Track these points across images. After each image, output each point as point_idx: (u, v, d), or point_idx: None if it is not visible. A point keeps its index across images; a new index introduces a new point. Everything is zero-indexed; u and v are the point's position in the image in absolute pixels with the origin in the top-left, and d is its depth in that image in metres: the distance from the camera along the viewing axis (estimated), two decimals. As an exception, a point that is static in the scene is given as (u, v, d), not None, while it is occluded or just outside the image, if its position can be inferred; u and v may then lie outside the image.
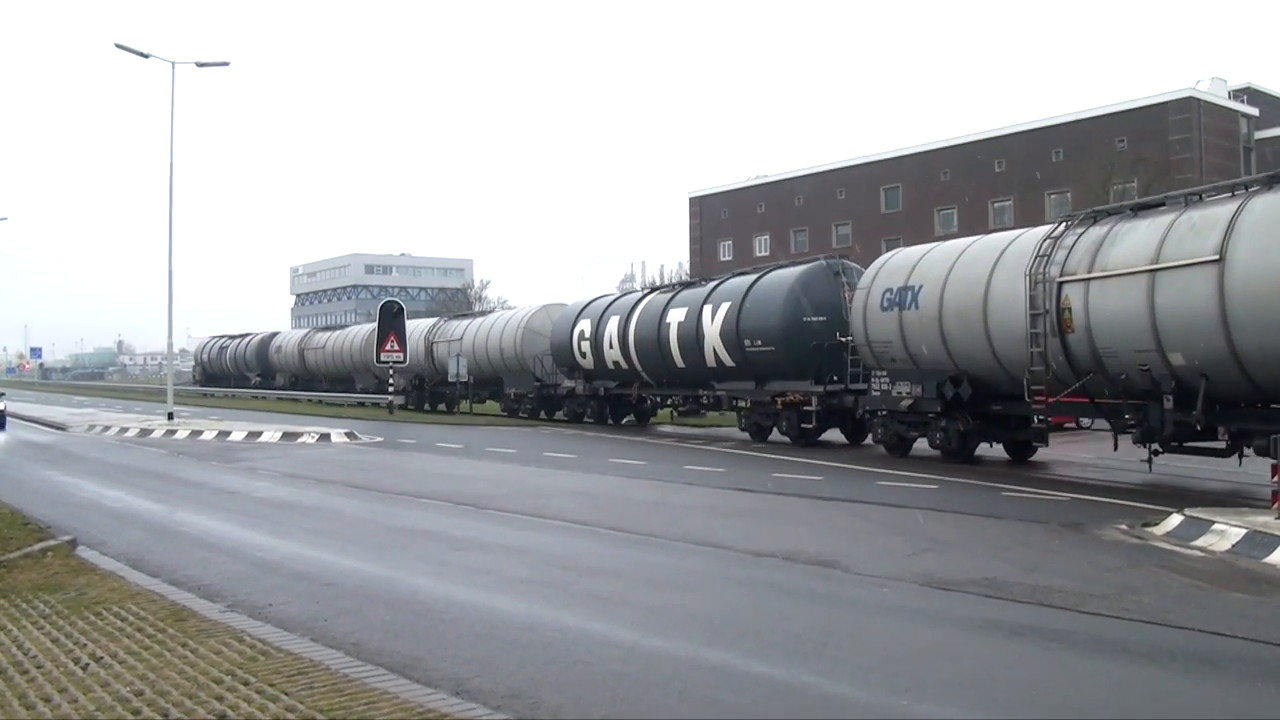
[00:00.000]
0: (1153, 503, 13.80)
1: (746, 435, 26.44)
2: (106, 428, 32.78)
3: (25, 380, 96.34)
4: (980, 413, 19.40)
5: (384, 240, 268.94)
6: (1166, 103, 51.73)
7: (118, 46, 32.53)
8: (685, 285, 30.65)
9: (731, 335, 25.63)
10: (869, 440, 23.30)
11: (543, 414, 37.61)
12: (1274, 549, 10.26)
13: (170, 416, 34.31)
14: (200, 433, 29.92)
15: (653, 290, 32.19)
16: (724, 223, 75.65)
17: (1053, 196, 53.62)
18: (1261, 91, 59.06)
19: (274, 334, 66.97)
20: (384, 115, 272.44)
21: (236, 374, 67.58)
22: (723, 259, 72.19)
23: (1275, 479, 11.67)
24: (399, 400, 42.48)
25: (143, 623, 7.41)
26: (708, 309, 26.85)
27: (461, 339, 41.88)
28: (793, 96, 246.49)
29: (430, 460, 22.86)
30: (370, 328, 43.16)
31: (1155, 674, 6.63)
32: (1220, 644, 7.21)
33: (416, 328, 45.95)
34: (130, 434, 30.63)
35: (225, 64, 34.08)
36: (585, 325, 33.06)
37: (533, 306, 39.95)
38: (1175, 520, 11.82)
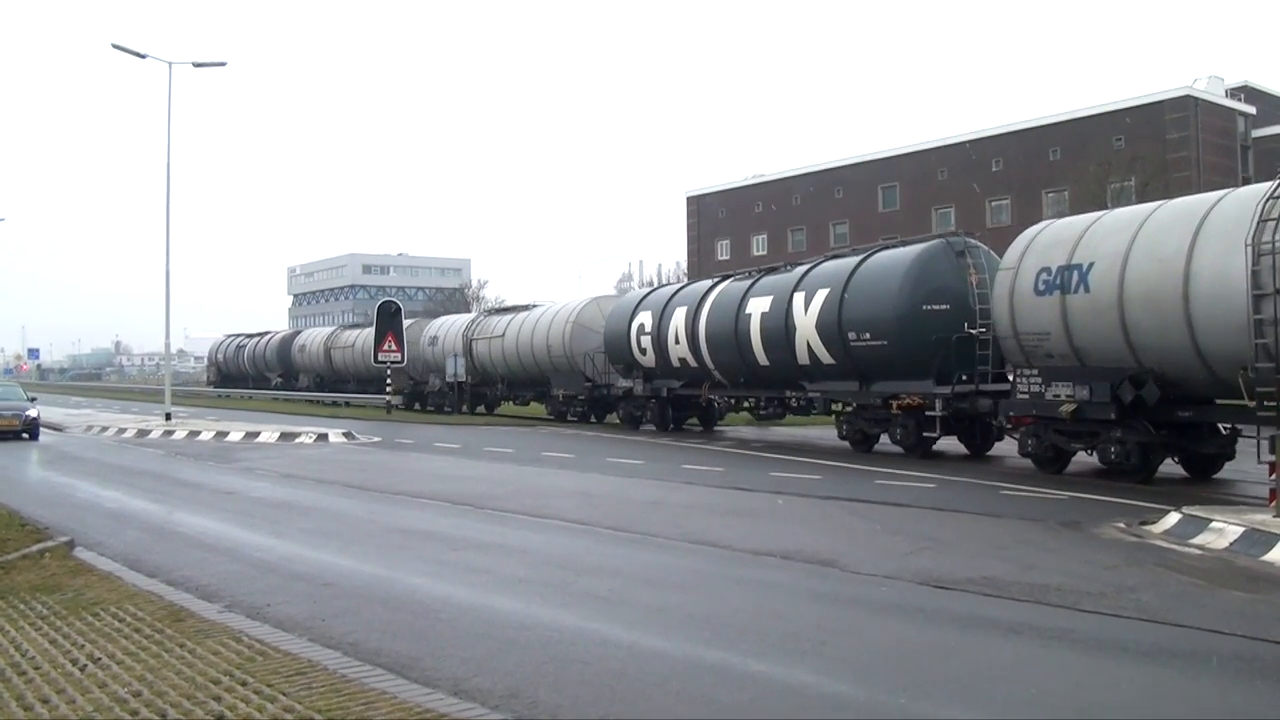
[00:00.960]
0: (1150, 501, 13.81)
1: (846, 444, 23.01)
2: (104, 428, 32.77)
3: (23, 381, 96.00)
4: (1163, 421, 15.98)
5: (381, 240, 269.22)
6: (1164, 101, 51.80)
7: (114, 47, 32.59)
8: (767, 271, 26.59)
9: (831, 328, 22.07)
10: (1001, 450, 20.76)
11: (593, 418, 35.31)
12: (1272, 547, 10.27)
13: (168, 417, 34.29)
14: (198, 433, 29.90)
15: (725, 278, 28.32)
16: (721, 222, 75.68)
17: (1050, 195, 53.68)
18: (1259, 89, 59.14)
19: (296, 332, 63.91)
20: (381, 115, 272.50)
21: (256, 374, 64.82)
22: (720, 258, 72.29)
23: (1272, 477, 11.68)
24: (439, 402, 42.26)
25: (140, 623, 7.40)
26: (799, 297, 23.17)
27: (504, 335, 39.07)
28: (790, 96, 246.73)
29: (428, 460, 22.85)
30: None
31: (1153, 672, 6.64)
32: (1218, 642, 7.21)
33: (453, 325, 44.07)
34: (128, 435, 30.62)
35: (222, 64, 34.16)
36: (645, 318, 29.94)
37: (582, 299, 37.07)
38: (1173, 518, 11.83)
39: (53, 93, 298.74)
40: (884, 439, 22.06)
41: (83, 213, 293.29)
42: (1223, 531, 11.01)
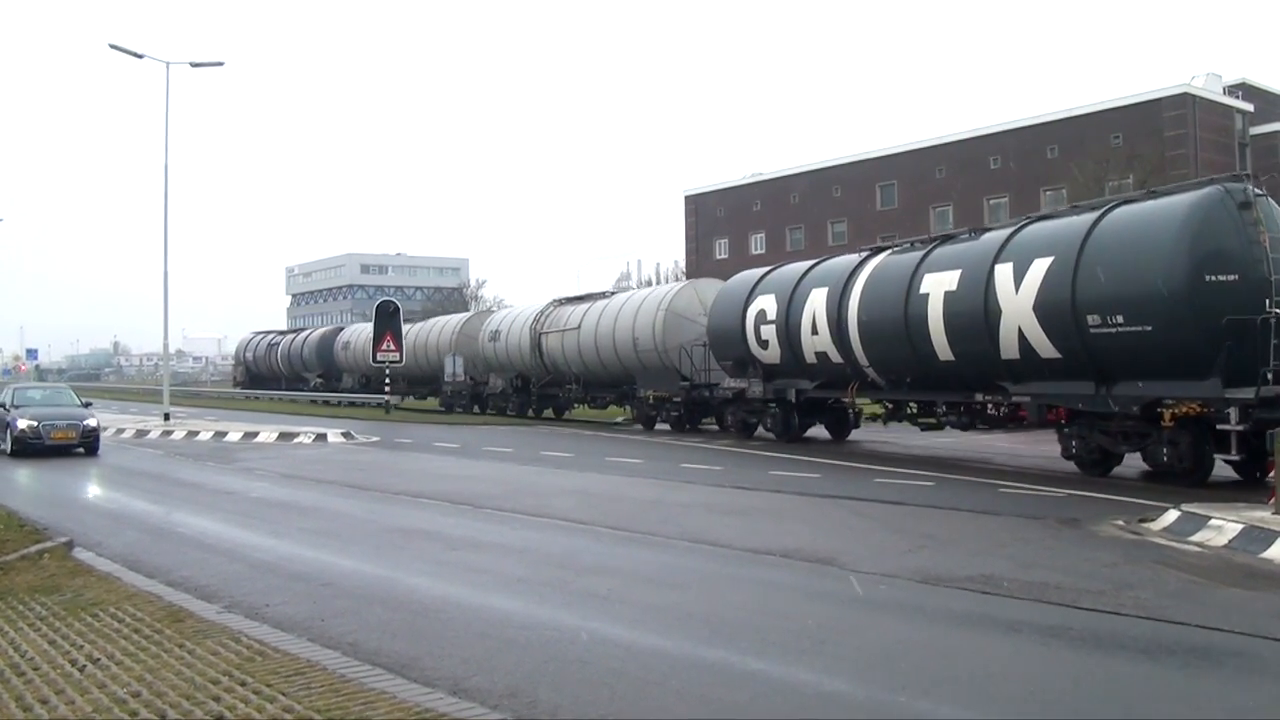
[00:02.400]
0: (1149, 498, 13.81)
1: (1072, 467, 17.55)
2: (103, 429, 32.70)
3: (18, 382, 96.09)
4: None
5: (379, 240, 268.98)
6: (1161, 99, 51.81)
7: (112, 47, 32.57)
8: (942, 239, 20.62)
9: (1059, 309, 16.33)
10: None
11: (687, 425, 29.71)
12: (1271, 544, 10.27)
13: (166, 417, 34.29)
14: (197, 433, 29.90)
15: (881, 250, 22.47)
16: (720, 221, 75.67)
17: (1048, 193, 53.67)
18: (1256, 87, 59.16)
19: (339, 328, 57.81)
20: (379, 115, 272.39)
21: (290, 374, 59.50)
22: (718, 257, 72.31)
23: (1272, 474, 11.68)
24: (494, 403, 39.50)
25: (140, 624, 7.40)
26: (1003, 270, 17.49)
27: (579, 328, 33.79)
28: (788, 94, 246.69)
29: (427, 460, 22.85)
30: (463, 316, 38.23)
31: (1152, 669, 6.64)
32: (1217, 639, 7.22)
33: (518, 317, 38.98)
34: (126, 435, 30.60)
35: (219, 64, 34.14)
36: (766, 303, 24.32)
37: (675, 284, 32.79)
38: (1172, 516, 11.83)
39: (51, 93, 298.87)
40: (1131, 458, 16.97)
41: (81, 213, 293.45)
42: (1222, 529, 11.01)
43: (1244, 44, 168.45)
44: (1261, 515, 11.22)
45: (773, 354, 24.27)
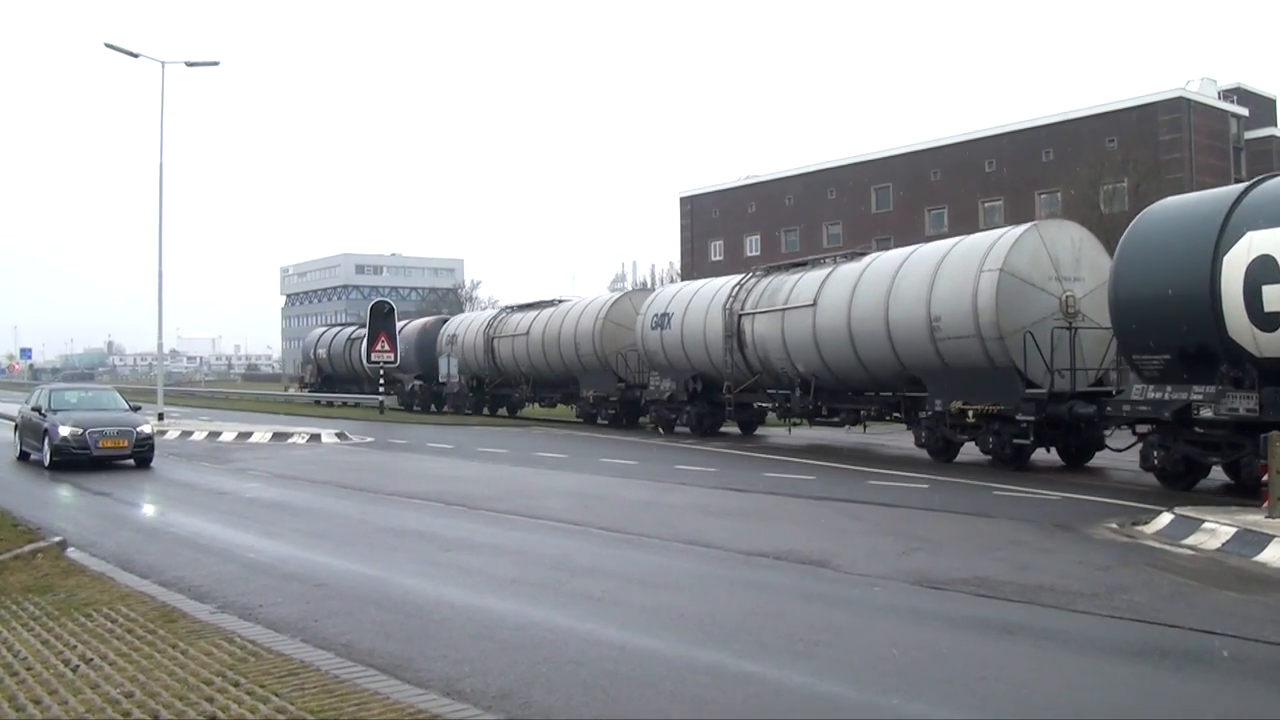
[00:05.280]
0: (1143, 501, 13.84)
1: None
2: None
3: (15, 381, 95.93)
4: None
5: (374, 240, 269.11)
6: (1156, 103, 51.92)
7: (107, 46, 32.48)
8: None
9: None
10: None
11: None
12: (1264, 547, 10.30)
13: (160, 417, 34.20)
14: (190, 433, 29.83)
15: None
16: (714, 222, 75.71)
17: (1043, 196, 53.79)
18: (1251, 91, 59.34)
19: (443, 318, 49.07)
20: (374, 115, 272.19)
21: (376, 375, 45.82)
22: (714, 258, 72.32)
23: (1264, 477, 11.71)
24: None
25: (133, 624, 7.38)
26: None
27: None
28: (783, 96, 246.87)
29: (421, 461, 22.83)
30: (610, 296, 34.96)
31: (1146, 672, 6.65)
32: (1211, 642, 7.23)
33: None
34: (120, 435, 30.44)
35: (215, 64, 34.06)
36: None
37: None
38: (1165, 519, 11.87)
39: (46, 92, 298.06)
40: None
41: (75, 212, 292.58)
42: (1215, 532, 11.04)
43: (1239, 49, 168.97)
44: (1255, 518, 11.25)
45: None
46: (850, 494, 15.63)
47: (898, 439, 24.77)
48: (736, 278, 27.66)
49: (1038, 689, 6.21)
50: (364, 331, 47.39)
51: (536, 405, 39.63)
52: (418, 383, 44.95)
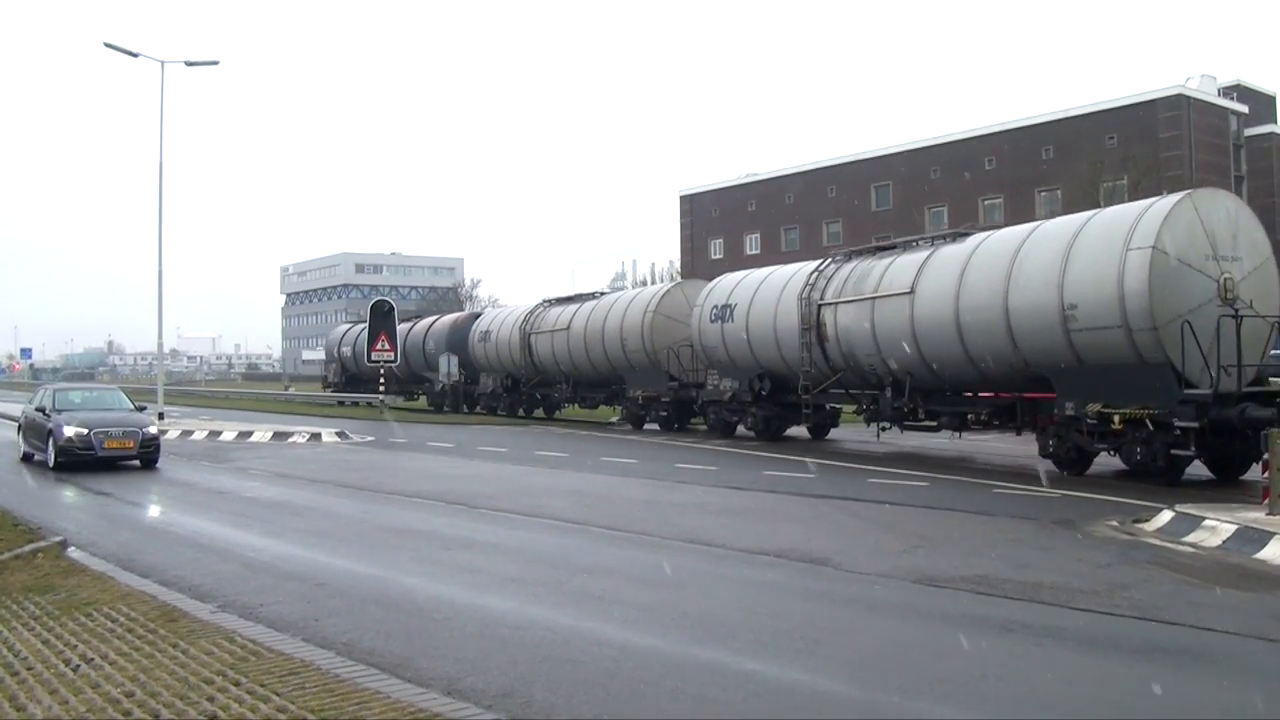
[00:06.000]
0: (1143, 499, 13.84)
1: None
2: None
3: (15, 381, 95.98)
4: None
5: (374, 239, 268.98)
6: (1156, 100, 51.95)
7: (107, 45, 32.40)
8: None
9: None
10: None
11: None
12: (1264, 544, 10.29)
13: (161, 416, 34.17)
14: (191, 433, 29.82)
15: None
16: (715, 221, 75.75)
17: (1043, 194, 53.79)
18: (1251, 89, 59.40)
19: (474, 314, 45.75)
20: (374, 114, 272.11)
21: (406, 374, 45.90)
22: (714, 257, 72.37)
23: (1266, 474, 11.71)
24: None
25: (133, 623, 7.38)
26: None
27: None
28: (783, 94, 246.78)
29: (422, 460, 22.83)
30: (660, 287, 32.30)
31: (1146, 670, 6.65)
32: (1211, 639, 7.24)
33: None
34: (120, 434, 30.44)
35: (214, 63, 33.98)
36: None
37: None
38: (1166, 516, 11.86)
39: (46, 91, 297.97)
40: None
41: (75, 212, 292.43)
42: (1216, 529, 11.03)
43: (1239, 46, 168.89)
44: (1255, 516, 11.24)
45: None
46: (851, 492, 15.62)
47: (1002, 445, 22.48)
48: (810, 264, 24.58)
49: (1038, 687, 6.21)
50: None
51: (576, 406, 36.67)
52: (449, 382, 42.40)
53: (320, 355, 72.16)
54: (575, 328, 33.51)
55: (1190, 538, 11.06)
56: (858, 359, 21.92)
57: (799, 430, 26.05)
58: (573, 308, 34.68)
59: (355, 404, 45.63)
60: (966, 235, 20.48)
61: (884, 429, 22.61)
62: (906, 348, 20.15)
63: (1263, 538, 10.43)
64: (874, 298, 21.15)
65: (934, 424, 21.12)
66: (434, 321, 44.92)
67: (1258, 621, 7.77)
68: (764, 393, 25.15)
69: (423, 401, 45.59)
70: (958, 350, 19.05)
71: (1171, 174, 45.87)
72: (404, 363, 40.78)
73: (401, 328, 44.35)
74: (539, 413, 38.18)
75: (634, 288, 42.13)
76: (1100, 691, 6.12)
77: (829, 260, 23.81)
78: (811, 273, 23.65)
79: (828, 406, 24.86)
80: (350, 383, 50.84)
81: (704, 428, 29.06)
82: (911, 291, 20.02)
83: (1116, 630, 7.51)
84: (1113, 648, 7.10)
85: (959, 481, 16.84)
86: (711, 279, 30.08)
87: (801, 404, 23.78)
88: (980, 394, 20.05)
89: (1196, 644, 7.18)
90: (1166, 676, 6.51)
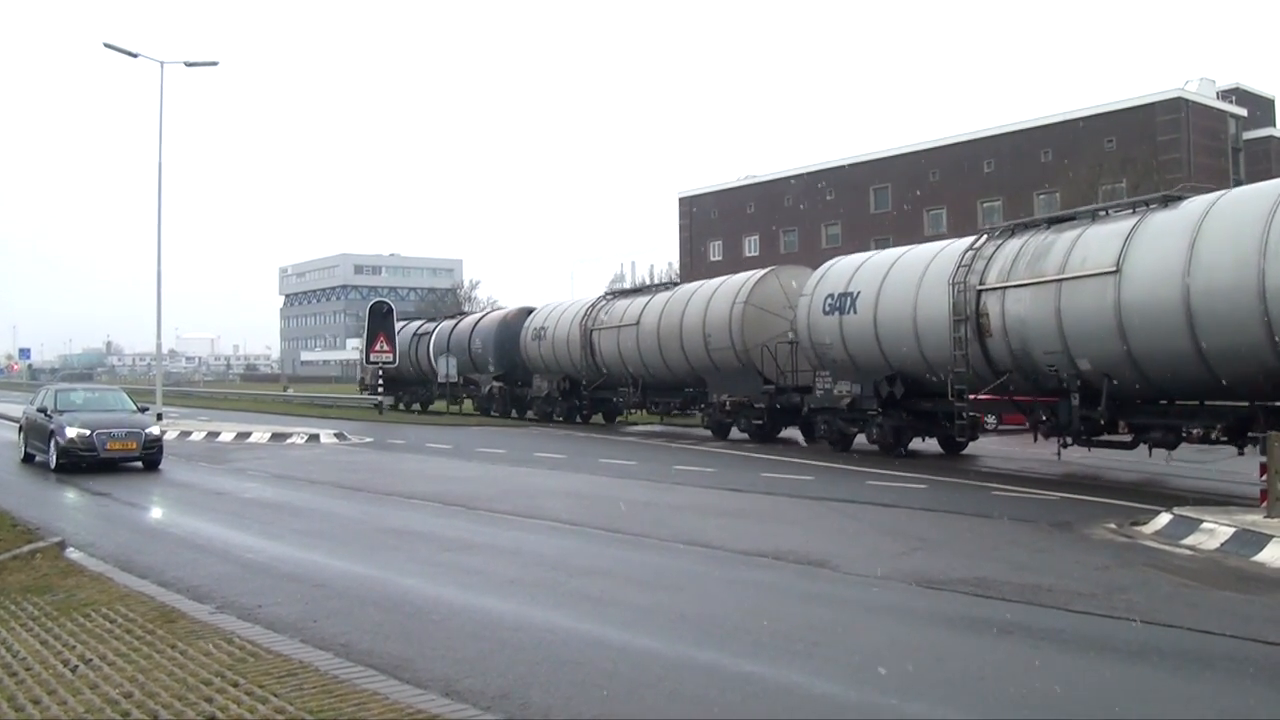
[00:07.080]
0: (1141, 501, 13.85)
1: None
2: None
3: (14, 382, 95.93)
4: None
5: (373, 240, 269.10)
6: (1155, 103, 51.97)
7: (106, 46, 32.38)
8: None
9: None
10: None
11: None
12: (1262, 547, 10.30)
13: (159, 417, 34.15)
14: (189, 434, 29.82)
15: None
16: (713, 223, 75.74)
17: (1041, 197, 53.82)
18: (1250, 92, 59.42)
19: (527, 309, 39.18)
20: (373, 114, 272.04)
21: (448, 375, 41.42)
22: (713, 259, 72.35)
23: (1262, 477, 11.72)
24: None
25: (132, 624, 7.38)
26: None
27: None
28: (782, 97, 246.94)
29: (420, 461, 22.82)
30: (753, 274, 27.60)
31: (1145, 672, 6.65)
32: (1209, 642, 7.24)
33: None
34: (119, 435, 30.42)
35: (214, 64, 33.95)
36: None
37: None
38: (1164, 519, 11.87)
39: (45, 91, 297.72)
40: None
41: (75, 212, 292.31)
42: (1214, 532, 11.04)
43: (1238, 49, 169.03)
44: (1253, 518, 11.26)
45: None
46: (849, 494, 15.62)
47: (1002, 447, 21.06)
48: (960, 242, 20.52)
49: (1036, 689, 6.20)
50: (432, 326, 44.28)
51: (644, 412, 32.70)
52: (496, 385, 38.58)
53: (319, 356, 71.88)
54: (646, 323, 29.70)
55: (1188, 540, 11.07)
56: (1032, 357, 17.70)
57: (918, 443, 22.40)
58: (642, 300, 31.12)
59: (393, 407, 43.02)
60: (1180, 200, 16.46)
61: (1065, 445, 18.44)
62: (1107, 342, 16.16)
63: (1261, 540, 10.44)
64: (1060, 279, 16.94)
65: (1129, 439, 17.39)
66: (480, 318, 41.88)
67: (1256, 624, 7.77)
68: (897, 397, 21.07)
69: (469, 406, 42.46)
70: (1184, 345, 14.95)
71: (1170, 177, 45.83)
72: (450, 364, 38.54)
73: (445, 325, 42.97)
74: (597, 418, 34.90)
75: (633, 287, 40.38)
76: (1098, 694, 6.12)
77: (984, 237, 19.84)
78: (965, 251, 19.45)
79: (967, 415, 19.79)
80: (389, 385, 43.66)
81: (795, 439, 26.02)
82: (1117, 270, 15.92)
83: (1114, 632, 7.52)
84: (1111, 650, 7.10)
85: (957, 484, 16.84)
86: (805, 267, 26.99)
87: (954, 412, 19.50)
88: (1205, 402, 16.17)
89: (1194, 646, 7.18)
90: (1165, 679, 6.51)
